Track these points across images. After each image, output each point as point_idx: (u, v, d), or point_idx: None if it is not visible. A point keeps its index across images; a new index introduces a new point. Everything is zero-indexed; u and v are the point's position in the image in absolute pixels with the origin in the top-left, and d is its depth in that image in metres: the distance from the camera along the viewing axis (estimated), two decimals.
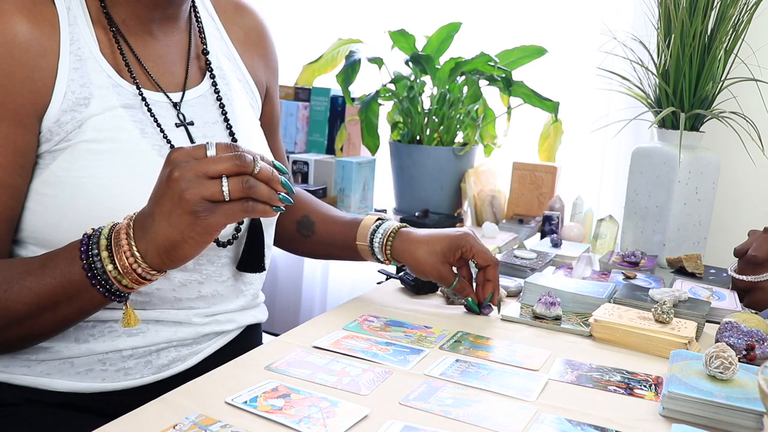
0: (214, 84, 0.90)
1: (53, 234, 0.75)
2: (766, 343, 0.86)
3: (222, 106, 0.90)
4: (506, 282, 1.13)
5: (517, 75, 1.67)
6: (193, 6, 0.92)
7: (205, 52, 0.90)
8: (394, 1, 2.01)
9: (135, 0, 0.81)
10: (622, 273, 1.20)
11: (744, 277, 1.11)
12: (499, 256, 1.28)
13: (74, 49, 0.76)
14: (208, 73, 0.90)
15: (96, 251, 0.67)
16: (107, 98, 0.77)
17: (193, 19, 0.92)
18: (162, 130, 0.81)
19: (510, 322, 0.98)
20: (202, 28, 0.92)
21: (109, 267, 0.67)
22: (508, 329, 0.95)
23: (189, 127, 0.85)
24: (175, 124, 0.84)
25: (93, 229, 0.69)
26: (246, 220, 0.88)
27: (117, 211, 0.73)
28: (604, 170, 1.83)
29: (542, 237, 1.52)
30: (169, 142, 0.81)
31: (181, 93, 0.86)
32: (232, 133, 0.89)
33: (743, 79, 1.41)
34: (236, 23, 0.98)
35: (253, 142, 0.93)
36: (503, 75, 1.63)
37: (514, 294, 1.10)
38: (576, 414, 0.70)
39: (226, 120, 0.89)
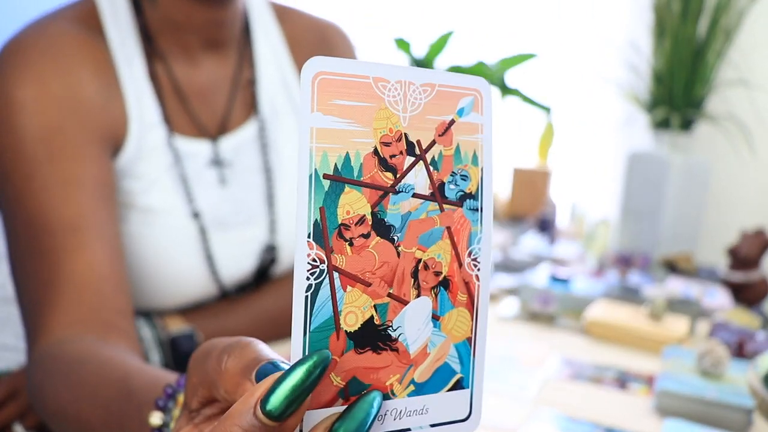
0: (261, 122, 0.79)
1: None
2: (756, 340, 0.88)
3: (265, 153, 0.79)
4: (503, 281, 1.15)
5: (512, 78, 1.69)
6: (248, 33, 0.80)
7: (252, 80, 0.79)
8: (394, 3, 2.02)
9: (176, 27, 0.72)
10: (617, 272, 1.22)
11: (735, 276, 1.14)
12: (496, 256, 1.30)
13: (134, 85, 0.70)
14: (254, 111, 0.79)
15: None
16: (150, 139, 0.71)
17: (249, 46, 0.80)
18: (188, 190, 0.73)
19: (507, 319, 1.00)
20: (252, 56, 0.80)
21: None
22: (504, 327, 0.97)
23: (226, 169, 0.76)
24: (212, 160, 0.75)
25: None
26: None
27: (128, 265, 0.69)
28: (599, 171, 1.85)
29: (538, 236, 1.54)
30: (191, 201, 0.73)
31: (222, 133, 0.77)
32: (269, 183, 0.79)
33: (734, 83, 1.43)
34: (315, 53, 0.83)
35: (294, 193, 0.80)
36: (499, 79, 1.65)
37: (510, 293, 1.12)
38: (572, 409, 0.72)
39: (268, 170, 0.79)
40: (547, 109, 1.69)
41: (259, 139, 0.79)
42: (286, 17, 0.84)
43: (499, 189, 1.80)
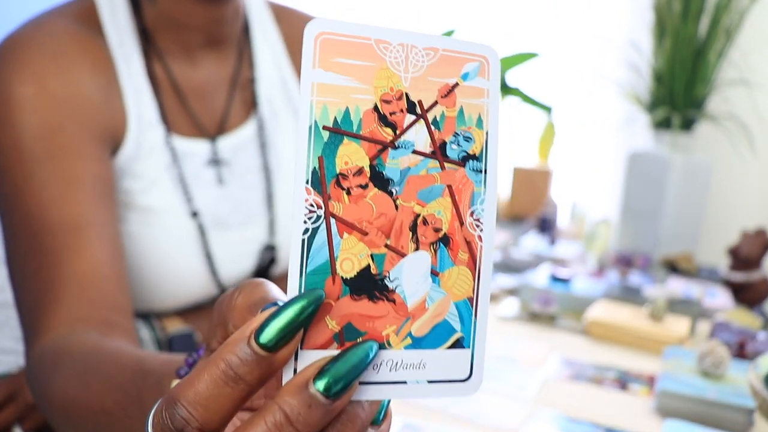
0: (260, 121, 0.78)
1: None
2: (757, 340, 0.88)
3: (264, 153, 0.78)
4: (503, 281, 1.15)
5: (513, 78, 1.69)
6: (247, 32, 0.80)
7: (251, 80, 0.78)
8: (394, 2, 2.02)
9: (175, 25, 0.71)
10: (617, 272, 1.22)
11: (736, 276, 1.14)
12: (496, 256, 1.30)
13: (133, 84, 0.70)
14: (253, 111, 0.78)
15: None
16: (148, 138, 0.70)
17: (248, 45, 0.80)
18: (186, 190, 0.72)
19: (507, 319, 1.00)
20: (251, 55, 0.79)
21: None
22: (504, 327, 0.97)
23: (224, 169, 0.75)
24: (210, 159, 0.74)
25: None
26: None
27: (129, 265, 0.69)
28: (599, 171, 1.85)
29: (539, 236, 1.54)
30: (190, 200, 0.72)
31: (221, 133, 0.76)
32: (269, 183, 0.79)
33: (735, 83, 1.43)
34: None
35: (291, 196, 0.82)
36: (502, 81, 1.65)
37: (511, 293, 1.12)
38: (572, 410, 0.71)
39: (267, 169, 0.78)
40: (547, 109, 1.69)
41: (258, 138, 0.78)
42: (283, 17, 0.84)
43: (502, 188, 1.80)
